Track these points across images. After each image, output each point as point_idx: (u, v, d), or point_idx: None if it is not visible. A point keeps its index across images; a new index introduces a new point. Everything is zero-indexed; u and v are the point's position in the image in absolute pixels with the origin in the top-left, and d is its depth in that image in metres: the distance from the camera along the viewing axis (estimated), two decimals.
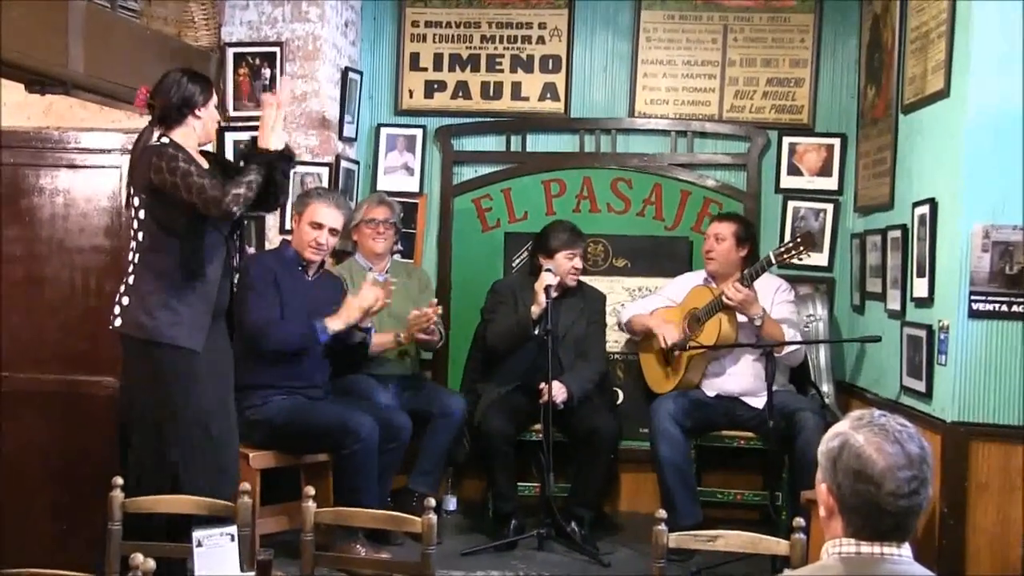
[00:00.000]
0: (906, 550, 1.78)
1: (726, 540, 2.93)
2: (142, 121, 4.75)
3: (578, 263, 4.90)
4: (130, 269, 3.68)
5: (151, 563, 2.18)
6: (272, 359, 4.32)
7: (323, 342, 4.34)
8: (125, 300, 3.64)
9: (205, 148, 3.90)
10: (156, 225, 3.61)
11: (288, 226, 4.91)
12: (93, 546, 3.60)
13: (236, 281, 3.89)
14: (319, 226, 4.43)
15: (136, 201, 3.65)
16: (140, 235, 3.65)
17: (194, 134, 3.74)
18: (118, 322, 3.64)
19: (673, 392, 4.82)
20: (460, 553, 4.46)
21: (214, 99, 3.80)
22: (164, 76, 3.74)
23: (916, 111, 4.36)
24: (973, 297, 3.77)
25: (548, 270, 4.76)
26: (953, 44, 3.93)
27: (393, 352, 4.90)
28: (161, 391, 3.60)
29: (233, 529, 2.79)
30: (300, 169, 5.21)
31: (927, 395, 4.00)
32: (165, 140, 3.66)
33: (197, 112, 3.72)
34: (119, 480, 3.14)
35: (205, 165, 3.74)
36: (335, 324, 4.34)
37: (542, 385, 4.57)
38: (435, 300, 4.89)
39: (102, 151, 4.92)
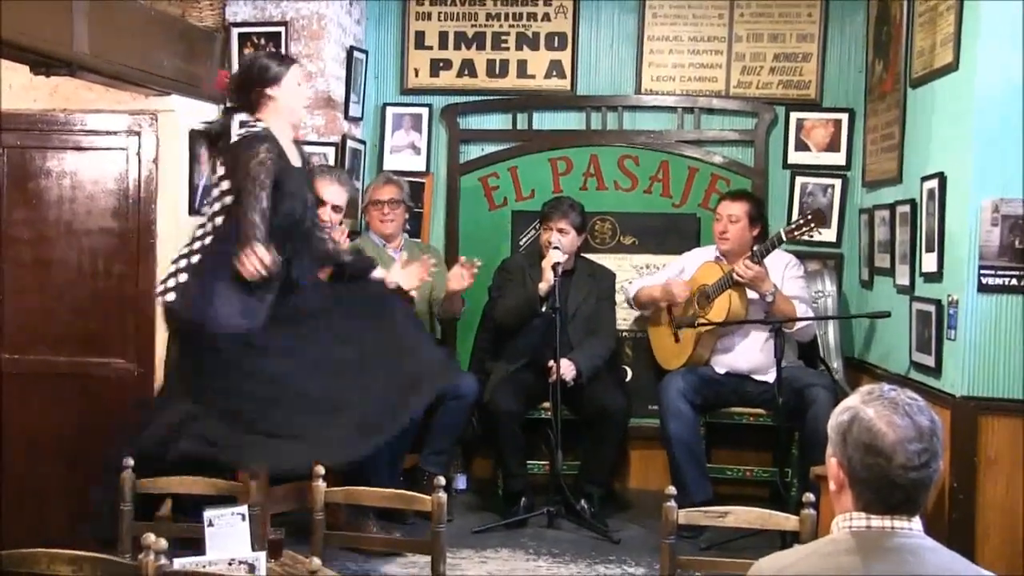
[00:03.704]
0: (917, 524, 1.78)
1: (736, 516, 2.94)
2: (148, 103, 4.80)
3: (555, 237, 4.82)
4: (196, 247, 3.64)
5: (163, 542, 2.19)
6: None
7: None
8: (183, 277, 3.59)
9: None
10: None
11: None
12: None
13: None
14: (322, 203, 4.42)
15: (226, 184, 3.64)
16: (219, 220, 3.63)
17: (279, 116, 3.73)
18: (171, 296, 3.59)
19: (682, 369, 4.81)
20: (471, 531, 4.48)
21: (291, 76, 3.76)
22: (239, 65, 3.74)
23: (925, 85, 4.33)
24: (982, 271, 3.76)
25: (556, 248, 4.76)
26: (962, 17, 3.90)
27: None
28: (203, 375, 3.58)
29: (244, 509, 2.80)
30: (306, 149, 5.19)
31: (936, 370, 4.00)
32: (259, 127, 3.64)
33: (268, 91, 3.70)
34: (130, 461, 3.15)
35: (297, 162, 3.75)
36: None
37: (551, 363, 4.58)
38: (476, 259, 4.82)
39: (108, 133, 4.91)
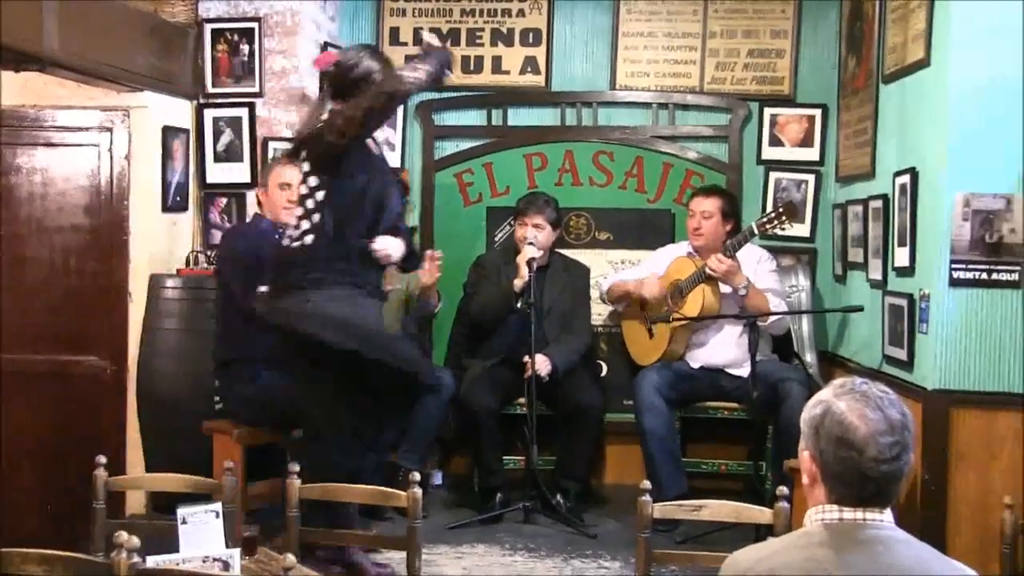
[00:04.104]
0: (888, 516, 1.79)
1: (711, 510, 2.96)
2: (121, 99, 4.77)
3: (530, 233, 4.83)
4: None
5: (135, 540, 2.18)
6: (262, 327, 4.27)
7: None
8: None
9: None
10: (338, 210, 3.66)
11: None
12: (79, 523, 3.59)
13: (214, 255, 3.88)
14: (287, 186, 4.41)
15: (314, 181, 3.67)
16: (315, 216, 3.67)
17: None
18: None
19: (657, 364, 4.83)
20: (446, 527, 4.48)
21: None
22: (347, 49, 3.80)
23: (897, 80, 4.36)
24: (954, 265, 3.79)
25: (531, 243, 4.76)
26: (933, 13, 3.93)
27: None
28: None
29: (218, 506, 2.78)
30: (281, 146, 5.19)
31: (909, 364, 4.03)
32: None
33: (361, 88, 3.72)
34: (102, 459, 3.13)
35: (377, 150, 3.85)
36: None
37: (526, 358, 4.58)
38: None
39: (80, 129, 4.87)
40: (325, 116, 3.68)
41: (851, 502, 1.78)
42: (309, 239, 3.66)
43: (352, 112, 3.56)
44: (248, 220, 4.82)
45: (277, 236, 4.42)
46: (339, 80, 3.71)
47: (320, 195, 3.66)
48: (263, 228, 4.46)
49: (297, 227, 3.72)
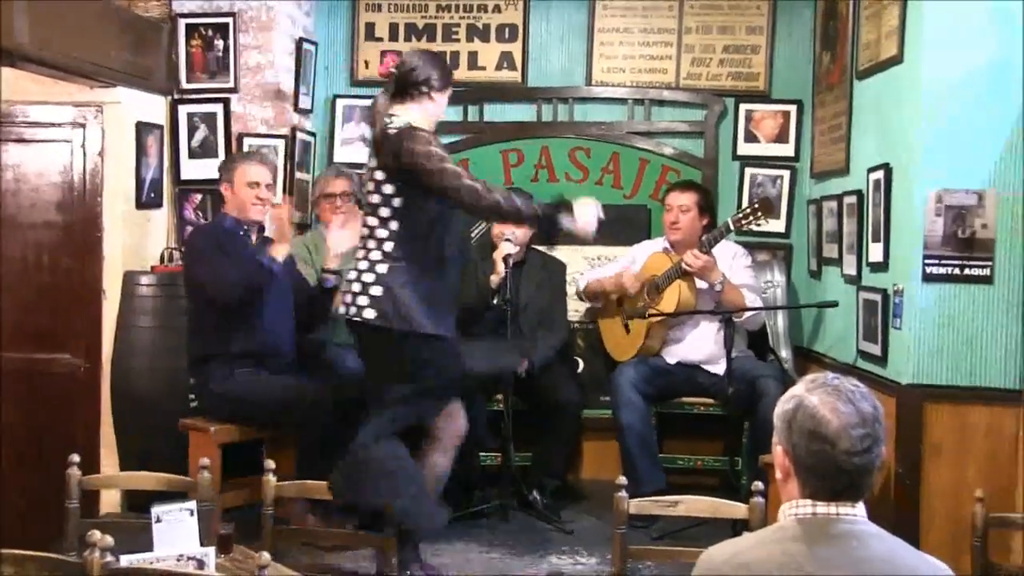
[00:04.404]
0: (860, 509, 1.80)
1: (687, 505, 2.97)
2: (94, 94, 4.74)
3: (507, 229, 4.76)
4: (376, 257, 3.65)
5: (109, 539, 2.16)
6: (236, 324, 4.26)
7: (277, 271, 4.24)
8: (376, 290, 3.61)
9: None
10: (418, 213, 3.62)
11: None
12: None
13: (183, 253, 3.86)
14: (255, 184, 4.39)
15: (390, 188, 3.64)
16: (394, 224, 3.64)
17: (427, 116, 3.75)
18: (369, 313, 3.61)
19: (633, 359, 4.83)
20: None
21: (449, 91, 3.84)
22: (410, 54, 3.83)
23: (871, 77, 4.38)
24: (927, 261, 3.81)
25: (508, 239, 4.75)
26: (906, 10, 3.95)
27: None
28: (415, 376, 3.67)
29: (192, 504, 2.76)
30: (255, 141, 5.17)
31: (883, 359, 4.05)
32: (406, 123, 3.65)
33: (432, 95, 3.74)
34: (75, 457, 3.11)
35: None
36: (278, 250, 4.28)
37: None
38: None
39: (52, 125, 4.83)
40: (393, 122, 3.65)
41: (824, 496, 1.79)
42: (389, 247, 3.65)
43: (471, 184, 3.55)
44: (211, 221, 4.76)
45: (241, 234, 4.40)
46: (400, 82, 3.73)
47: (397, 202, 3.65)
48: (227, 227, 4.41)
49: (372, 236, 3.69)
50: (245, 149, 5.14)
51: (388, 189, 3.64)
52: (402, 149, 3.56)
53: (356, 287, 3.66)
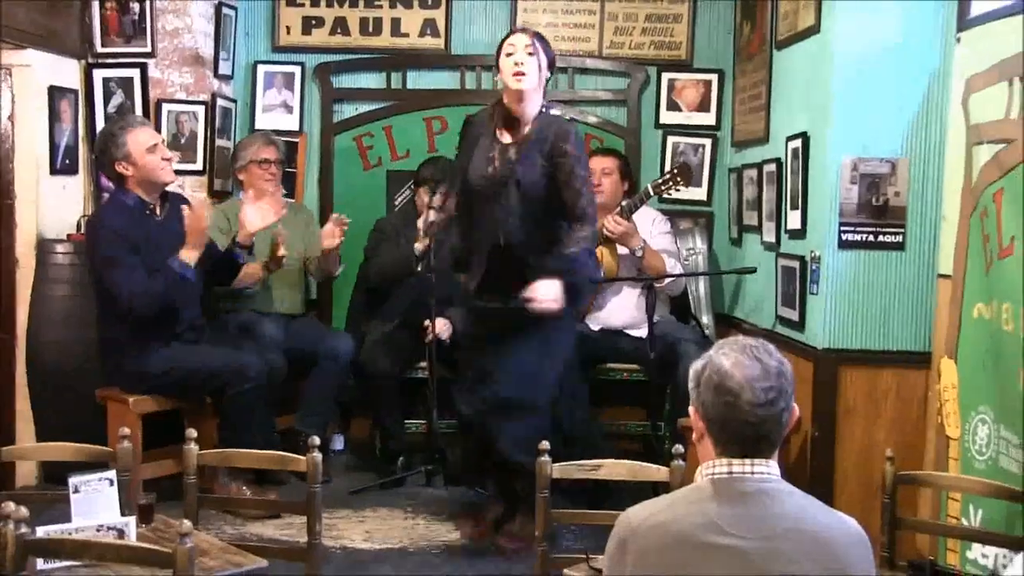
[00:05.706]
0: (775, 468, 1.85)
1: (608, 469, 3.00)
2: (3, 57, 4.59)
3: (436, 199, 4.80)
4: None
5: (23, 511, 2.13)
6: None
7: (191, 278, 4.16)
8: None
9: None
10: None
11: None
12: None
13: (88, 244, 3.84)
14: (155, 147, 4.25)
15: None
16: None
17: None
18: None
19: None
20: (348, 492, 4.48)
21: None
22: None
23: (789, 47, 4.44)
24: (843, 228, 3.90)
25: (432, 207, 4.73)
26: None
27: (283, 288, 4.88)
28: None
29: (112, 474, 2.73)
30: (175, 108, 5.08)
31: (800, 324, 4.14)
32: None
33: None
34: None
35: None
36: (191, 255, 4.16)
37: (426, 322, 4.58)
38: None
39: None
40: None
41: (735, 452, 1.84)
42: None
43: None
44: (109, 202, 4.43)
45: (147, 213, 4.28)
46: None
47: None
48: (130, 204, 4.24)
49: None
50: (163, 116, 5.04)
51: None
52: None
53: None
